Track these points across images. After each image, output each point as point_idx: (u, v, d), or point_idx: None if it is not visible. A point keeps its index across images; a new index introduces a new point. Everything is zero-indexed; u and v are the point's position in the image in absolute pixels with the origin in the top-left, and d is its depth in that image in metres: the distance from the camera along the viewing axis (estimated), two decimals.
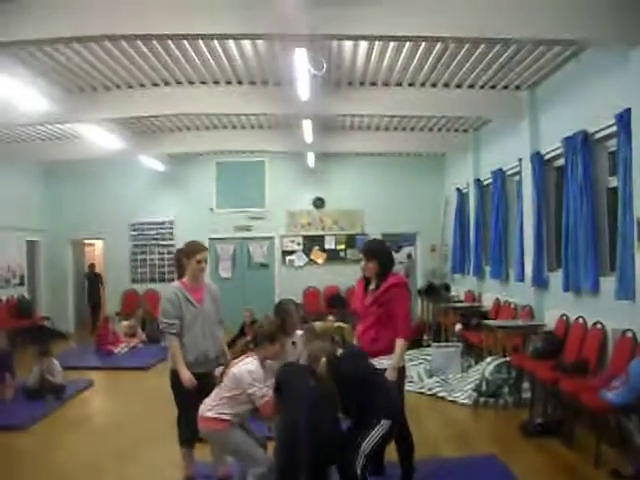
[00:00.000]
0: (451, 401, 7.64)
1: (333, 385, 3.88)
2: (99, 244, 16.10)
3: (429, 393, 8.03)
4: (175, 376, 4.82)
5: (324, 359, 3.94)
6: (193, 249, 4.93)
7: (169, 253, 14.65)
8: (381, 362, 4.59)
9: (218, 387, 4.12)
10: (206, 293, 4.99)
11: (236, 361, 4.10)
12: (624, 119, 6.19)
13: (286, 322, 4.80)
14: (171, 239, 14.84)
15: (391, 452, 4.70)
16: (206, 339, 4.84)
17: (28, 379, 7.92)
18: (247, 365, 4.00)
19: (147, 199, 15.01)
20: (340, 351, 4.20)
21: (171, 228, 15.02)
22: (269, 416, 4.13)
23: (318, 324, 4.44)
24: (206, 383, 4.62)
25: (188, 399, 4.67)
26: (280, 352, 4.32)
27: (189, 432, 4.76)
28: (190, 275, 4.93)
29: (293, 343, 4.58)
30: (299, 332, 4.80)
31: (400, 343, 4.60)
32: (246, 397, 3.97)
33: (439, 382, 8.35)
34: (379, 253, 4.82)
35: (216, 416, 4.01)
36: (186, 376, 4.66)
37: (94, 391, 8.81)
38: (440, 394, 7.92)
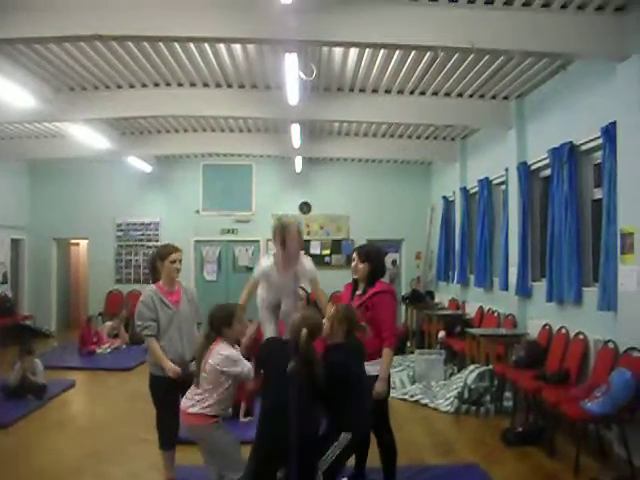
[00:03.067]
0: (433, 408, 7.66)
1: (317, 362, 3.78)
2: (84, 244, 15.99)
3: (412, 400, 8.05)
4: (153, 378, 4.84)
5: (305, 330, 3.72)
6: (167, 250, 4.94)
7: None
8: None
9: (195, 382, 4.08)
10: (182, 295, 4.99)
11: (207, 354, 4.02)
12: (610, 132, 6.26)
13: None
14: (156, 240, 14.67)
15: (372, 457, 4.71)
16: (182, 341, 4.83)
17: (9, 378, 7.85)
18: (222, 351, 3.95)
19: (133, 200, 14.92)
20: (342, 341, 4.08)
21: (157, 229, 14.94)
22: (257, 390, 4.09)
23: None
24: (184, 384, 4.64)
25: (167, 401, 4.72)
26: (243, 329, 4.28)
27: (169, 434, 4.81)
28: (165, 277, 4.93)
29: None
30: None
31: (386, 352, 4.53)
32: (226, 378, 3.95)
33: (422, 389, 8.38)
34: (373, 257, 4.77)
35: (201, 412, 3.97)
36: (169, 365, 4.66)
37: (76, 391, 8.73)
38: (423, 401, 7.95)
